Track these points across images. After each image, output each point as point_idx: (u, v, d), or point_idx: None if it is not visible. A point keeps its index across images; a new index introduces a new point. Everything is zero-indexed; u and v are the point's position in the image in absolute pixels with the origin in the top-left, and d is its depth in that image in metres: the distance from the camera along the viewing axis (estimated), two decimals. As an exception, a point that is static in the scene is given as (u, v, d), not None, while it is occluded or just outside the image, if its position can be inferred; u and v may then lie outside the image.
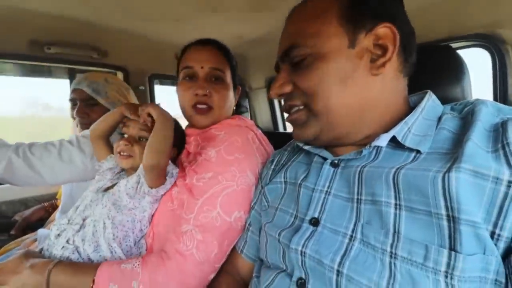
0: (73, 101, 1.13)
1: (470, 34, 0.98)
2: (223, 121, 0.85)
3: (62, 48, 1.26)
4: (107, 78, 1.19)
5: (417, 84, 0.53)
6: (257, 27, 1.32)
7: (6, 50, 1.20)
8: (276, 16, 1.18)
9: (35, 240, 1.07)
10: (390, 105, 0.50)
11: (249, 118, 2.01)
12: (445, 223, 0.36)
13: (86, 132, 1.01)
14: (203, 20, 1.22)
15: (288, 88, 0.53)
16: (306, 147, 0.60)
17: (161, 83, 1.78)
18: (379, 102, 0.50)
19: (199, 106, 0.81)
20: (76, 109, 1.10)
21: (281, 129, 1.97)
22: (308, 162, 0.61)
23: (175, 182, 0.78)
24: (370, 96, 0.49)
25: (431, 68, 0.54)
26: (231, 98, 0.88)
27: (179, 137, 0.86)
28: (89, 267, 0.65)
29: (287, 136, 1.26)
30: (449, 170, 0.38)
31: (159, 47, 1.49)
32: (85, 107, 1.11)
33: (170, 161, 0.76)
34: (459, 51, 1.05)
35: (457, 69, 0.60)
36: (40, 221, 1.31)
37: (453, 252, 0.35)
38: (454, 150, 0.41)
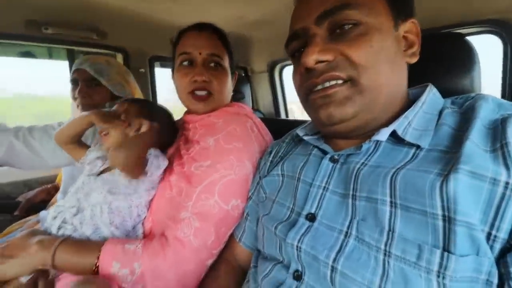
0: (74, 81, 1.12)
1: (483, 19, 0.93)
2: (222, 109, 0.83)
3: (60, 29, 1.23)
4: (109, 60, 1.19)
5: (425, 74, 0.52)
6: (259, 8, 1.27)
7: (2, 31, 1.17)
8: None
9: (38, 221, 1.09)
10: (404, 97, 0.51)
11: (251, 102, 1.99)
12: (440, 223, 0.36)
13: (85, 113, 1.01)
14: (203, 0, 1.17)
15: (330, 56, 0.46)
16: (306, 138, 0.59)
17: (162, 66, 1.74)
18: (404, 90, 0.51)
19: (198, 92, 0.80)
20: (78, 89, 1.10)
21: (283, 116, 1.95)
22: (305, 153, 0.60)
23: (173, 169, 0.78)
24: (402, 83, 0.50)
25: (440, 57, 0.51)
26: (230, 84, 0.87)
27: (167, 124, 0.87)
28: (94, 245, 0.66)
29: (288, 123, 1.24)
30: (448, 172, 0.37)
31: (159, 29, 1.44)
32: (87, 88, 1.11)
33: (159, 153, 0.76)
34: (470, 37, 1.03)
35: (467, 59, 0.58)
36: (43, 203, 1.33)
37: (445, 253, 0.35)
38: (454, 149, 0.40)
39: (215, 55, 0.80)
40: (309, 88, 0.50)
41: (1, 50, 1.47)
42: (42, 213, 1.06)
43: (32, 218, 1.16)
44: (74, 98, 1.13)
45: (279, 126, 0.89)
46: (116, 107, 0.84)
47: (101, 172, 0.81)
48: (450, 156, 0.40)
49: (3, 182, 1.40)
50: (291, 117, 2.01)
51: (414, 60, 0.50)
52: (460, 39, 0.59)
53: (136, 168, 0.73)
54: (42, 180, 1.46)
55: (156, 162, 0.74)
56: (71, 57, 1.49)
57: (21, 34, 1.19)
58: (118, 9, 1.23)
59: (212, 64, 0.81)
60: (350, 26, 0.46)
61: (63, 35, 1.26)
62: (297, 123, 0.71)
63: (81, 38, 1.33)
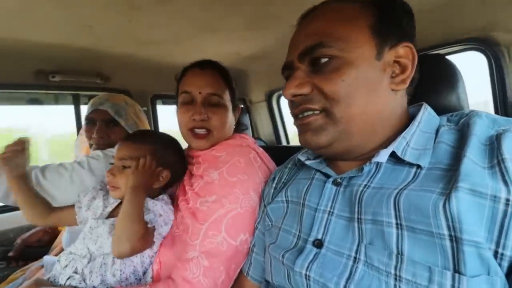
0: (91, 120, 1.13)
1: (464, 38, 0.99)
2: (224, 142, 0.84)
3: (66, 76, 1.31)
4: (126, 100, 1.22)
5: (412, 95, 0.53)
6: (254, 44, 1.35)
7: (14, 81, 1.24)
8: (271, 34, 1.21)
9: (41, 267, 1.06)
10: (397, 120, 0.51)
11: (251, 131, 2.02)
12: (447, 243, 0.36)
13: (97, 152, 1.03)
14: (202, 41, 1.26)
15: (306, 89, 0.50)
16: (308, 162, 0.59)
17: (163, 103, 1.81)
18: (393, 116, 0.50)
19: (198, 130, 0.81)
20: (96, 129, 1.11)
21: (284, 143, 1.97)
22: (308, 177, 0.60)
23: (178, 205, 0.78)
24: (387, 110, 0.49)
25: (424, 78, 0.54)
26: (231, 119, 0.87)
27: (176, 158, 0.85)
28: None
29: (290, 150, 1.25)
30: (450, 190, 0.37)
31: (160, 69, 1.53)
32: (106, 128, 1.12)
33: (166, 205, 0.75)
34: (454, 56, 1.08)
35: (450, 77, 0.60)
36: (39, 242, 1.30)
37: (457, 274, 0.34)
38: (454, 166, 0.40)
39: (215, 94, 0.81)
40: (294, 115, 0.55)
41: (11, 97, 1.54)
42: (47, 258, 1.03)
43: (34, 264, 1.13)
44: (89, 138, 1.13)
45: (281, 153, 0.90)
46: (128, 153, 0.77)
47: (109, 215, 0.78)
48: (451, 174, 0.40)
49: (7, 228, 1.38)
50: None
51: (401, 87, 0.49)
52: (441, 59, 0.63)
53: (142, 244, 0.69)
54: (46, 224, 1.45)
55: (159, 231, 0.73)
56: (76, 101, 1.56)
57: (31, 83, 1.27)
58: (120, 54, 1.32)
59: (212, 102, 0.82)
60: (326, 60, 0.48)
61: (69, 81, 1.34)
62: (299, 148, 0.72)
63: (86, 83, 1.41)
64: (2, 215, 1.42)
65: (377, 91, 0.48)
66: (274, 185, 0.70)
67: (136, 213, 0.67)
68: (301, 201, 0.56)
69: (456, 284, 0.34)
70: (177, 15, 0.99)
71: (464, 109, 0.60)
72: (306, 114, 0.51)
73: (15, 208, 1.41)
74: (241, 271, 0.71)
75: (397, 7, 0.50)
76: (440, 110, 0.53)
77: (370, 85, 0.47)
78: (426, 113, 0.51)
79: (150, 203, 0.73)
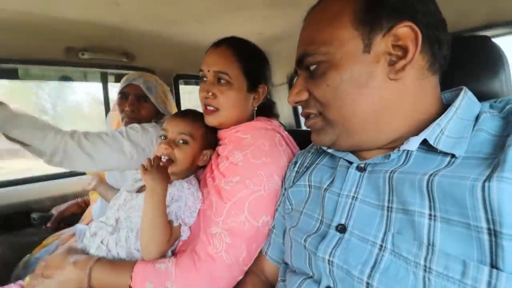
0: (124, 94, 1.21)
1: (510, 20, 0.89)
2: (249, 124, 0.83)
3: (95, 54, 1.35)
4: (156, 79, 1.29)
5: (450, 80, 0.49)
6: (277, 24, 1.31)
7: (45, 57, 1.30)
8: (296, 12, 1.15)
9: (73, 234, 1.15)
10: (418, 106, 0.47)
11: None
12: (485, 237, 0.34)
13: (134, 125, 1.09)
14: (224, 20, 1.24)
15: (304, 96, 0.53)
16: (330, 150, 0.58)
17: (186, 83, 1.83)
18: (402, 105, 0.46)
19: (208, 107, 0.83)
20: (128, 102, 1.18)
21: (304, 127, 1.95)
22: (333, 165, 0.59)
23: (205, 181, 0.81)
24: (390, 101, 0.46)
25: (465, 61, 0.49)
26: (241, 99, 0.84)
27: (212, 136, 0.89)
28: (126, 265, 0.69)
29: (310, 134, 1.23)
30: (489, 178, 0.35)
31: (183, 48, 1.53)
32: (137, 102, 1.20)
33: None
34: (498, 39, 0.98)
35: (494, 61, 0.55)
36: (73, 216, 1.40)
37: (494, 270, 0.33)
38: (495, 155, 0.37)
39: (222, 72, 0.80)
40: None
41: (44, 74, 1.62)
42: (79, 226, 1.12)
43: (66, 231, 1.22)
44: (122, 110, 1.21)
45: (301, 137, 0.89)
46: (188, 129, 0.83)
47: (141, 189, 0.83)
48: (490, 162, 0.37)
49: (43, 196, 1.50)
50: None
51: (400, 75, 0.44)
52: (486, 41, 0.57)
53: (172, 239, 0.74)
54: (78, 194, 1.55)
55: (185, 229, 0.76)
56: (104, 79, 1.62)
57: (62, 60, 1.32)
58: (145, 33, 1.33)
59: (220, 80, 0.81)
60: (314, 66, 0.50)
61: (97, 59, 1.38)
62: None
63: (112, 61, 1.45)
64: (39, 184, 1.54)
65: (370, 86, 0.45)
66: (296, 169, 0.70)
67: (159, 217, 0.68)
68: (324, 187, 0.56)
69: (493, 280, 0.32)
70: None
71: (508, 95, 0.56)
72: (309, 117, 0.54)
73: (51, 178, 1.56)
74: (260, 251, 0.73)
75: None
76: (479, 97, 0.49)
77: (359, 82, 0.45)
78: (466, 98, 0.46)
79: (176, 188, 0.76)
